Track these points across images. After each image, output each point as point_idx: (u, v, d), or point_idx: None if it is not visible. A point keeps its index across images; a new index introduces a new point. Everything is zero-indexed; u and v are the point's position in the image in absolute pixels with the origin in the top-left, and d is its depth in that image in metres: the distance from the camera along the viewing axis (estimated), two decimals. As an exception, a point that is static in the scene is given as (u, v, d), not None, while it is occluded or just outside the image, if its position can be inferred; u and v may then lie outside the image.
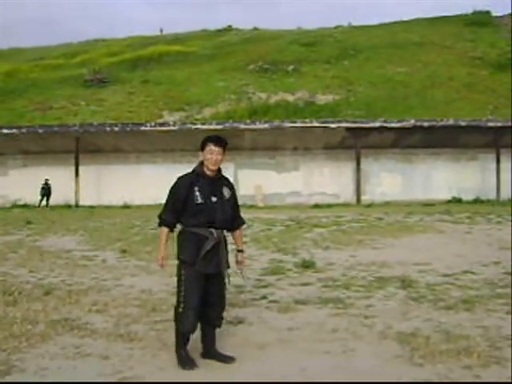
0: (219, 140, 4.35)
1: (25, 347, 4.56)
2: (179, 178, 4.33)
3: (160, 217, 4.32)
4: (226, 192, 4.36)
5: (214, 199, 4.24)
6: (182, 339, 4.23)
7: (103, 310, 5.82)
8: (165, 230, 4.27)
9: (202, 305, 4.23)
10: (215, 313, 4.32)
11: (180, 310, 4.16)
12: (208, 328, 4.35)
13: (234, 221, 4.44)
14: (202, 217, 4.20)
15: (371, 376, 3.85)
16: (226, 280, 4.36)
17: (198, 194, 4.20)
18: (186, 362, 4.14)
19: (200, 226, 4.20)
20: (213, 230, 4.23)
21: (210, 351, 4.33)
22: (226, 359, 4.24)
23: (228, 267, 4.36)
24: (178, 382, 3.80)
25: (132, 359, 4.28)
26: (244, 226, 4.60)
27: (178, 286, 4.21)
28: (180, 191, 4.23)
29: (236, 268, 4.56)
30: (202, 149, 4.31)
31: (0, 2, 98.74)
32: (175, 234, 4.34)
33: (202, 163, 4.33)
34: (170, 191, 4.30)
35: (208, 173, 4.29)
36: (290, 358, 4.27)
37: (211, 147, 4.28)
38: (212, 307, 4.29)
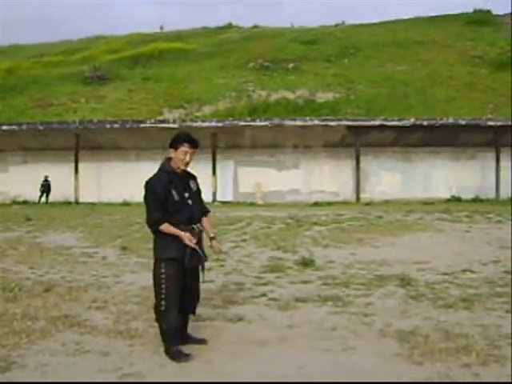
0: (194, 142, 4.35)
1: (25, 343, 4.56)
2: (153, 179, 4.24)
3: (153, 221, 4.19)
4: (193, 185, 4.43)
5: (186, 195, 4.31)
6: (169, 336, 4.29)
7: (103, 307, 5.83)
8: (166, 224, 4.17)
9: (181, 297, 4.36)
10: (193, 303, 4.49)
11: (163, 308, 4.21)
12: (183, 316, 4.45)
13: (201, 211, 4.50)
14: (181, 214, 4.23)
15: (370, 374, 3.86)
16: (201, 272, 4.44)
17: (174, 192, 4.22)
18: (180, 356, 4.19)
19: (182, 224, 4.21)
20: (194, 226, 4.30)
21: (183, 336, 4.49)
22: (199, 341, 4.52)
23: (206, 260, 4.44)
24: (178, 381, 3.81)
25: (132, 356, 4.28)
26: (210, 214, 4.62)
27: (158, 285, 4.22)
28: (159, 192, 4.17)
29: (214, 253, 4.65)
30: (175, 147, 4.27)
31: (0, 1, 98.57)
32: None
33: (169, 160, 4.34)
34: (149, 195, 4.20)
35: (178, 170, 4.31)
36: (290, 355, 4.27)
37: (186, 148, 4.27)
38: (190, 299, 4.43)
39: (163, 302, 4.19)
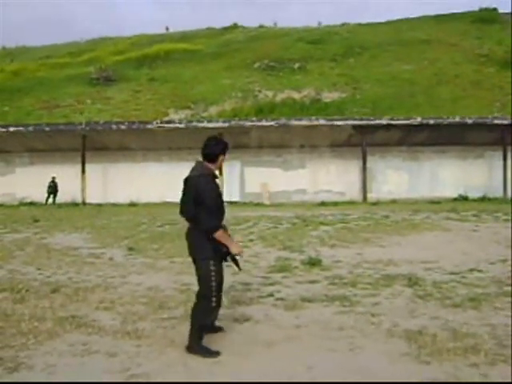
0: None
1: (32, 344, 4.58)
2: (212, 179, 4.37)
3: (213, 227, 4.28)
4: None
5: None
6: (203, 332, 4.38)
7: (110, 308, 5.84)
8: (221, 232, 4.31)
9: None
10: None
11: (213, 304, 4.34)
12: None
13: None
14: (222, 215, 4.44)
15: (378, 374, 3.85)
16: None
17: (219, 195, 4.44)
18: (211, 351, 4.29)
19: (222, 224, 4.42)
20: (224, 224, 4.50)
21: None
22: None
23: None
24: (186, 381, 3.81)
25: (139, 356, 4.29)
26: None
27: (209, 283, 4.30)
28: (218, 197, 4.36)
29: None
30: (224, 153, 4.48)
31: (0, 2, 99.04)
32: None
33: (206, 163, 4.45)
34: (208, 200, 4.26)
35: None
36: (297, 355, 4.27)
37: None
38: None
39: (214, 299, 4.33)
